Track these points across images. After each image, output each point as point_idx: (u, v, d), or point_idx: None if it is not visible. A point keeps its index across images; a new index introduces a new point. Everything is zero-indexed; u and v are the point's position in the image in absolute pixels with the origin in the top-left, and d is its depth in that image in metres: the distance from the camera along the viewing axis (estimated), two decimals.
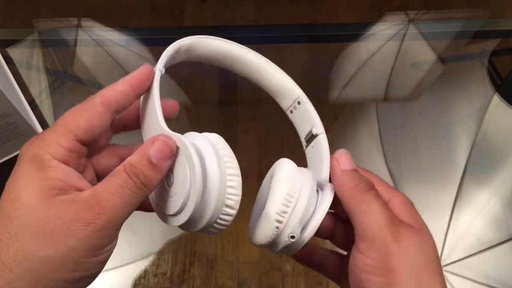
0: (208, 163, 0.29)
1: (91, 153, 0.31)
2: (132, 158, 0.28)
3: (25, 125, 0.55)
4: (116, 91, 0.29)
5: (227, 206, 0.29)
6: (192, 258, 0.55)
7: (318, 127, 0.36)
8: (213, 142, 0.30)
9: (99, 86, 0.67)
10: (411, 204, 0.32)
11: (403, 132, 0.64)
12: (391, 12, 0.73)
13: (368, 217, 0.29)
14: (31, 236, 0.26)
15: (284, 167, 0.32)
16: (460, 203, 0.58)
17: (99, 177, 0.32)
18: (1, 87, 0.50)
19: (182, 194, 0.28)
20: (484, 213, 0.58)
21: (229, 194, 0.29)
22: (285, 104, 0.38)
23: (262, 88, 0.38)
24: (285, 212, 0.31)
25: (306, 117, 0.37)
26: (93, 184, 0.29)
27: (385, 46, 0.70)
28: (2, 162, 0.57)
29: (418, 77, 0.68)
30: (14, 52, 0.68)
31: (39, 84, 0.66)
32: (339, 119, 0.64)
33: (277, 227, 0.31)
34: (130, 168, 0.27)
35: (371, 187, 0.31)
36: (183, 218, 0.29)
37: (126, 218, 0.27)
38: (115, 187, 0.27)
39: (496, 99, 0.65)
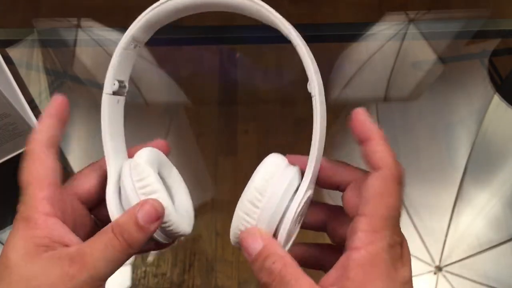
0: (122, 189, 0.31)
1: (91, 206, 0.33)
2: (121, 218, 0.29)
3: (24, 125, 0.55)
4: (41, 128, 0.31)
5: None
6: (192, 259, 0.55)
7: (313, 84, 0.28)
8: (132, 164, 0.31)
9: (99, 86, 0.67)
10: (385, 261, 0.28)
11: (403, 132, 0.64)
12: (391, 12, 0.73)
13: None
14: None
15: (264, 164, 0.30)
16: (460, 203, 0.58)
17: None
18: (0, 87, 0.50)
19: None
20: (484, 213, 0.58)
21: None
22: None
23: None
24: (253, 212, 0.29)
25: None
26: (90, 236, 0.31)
27: (385, 46, 0.70)
28: (2, 162, 0.57)
29: (418, 77, 0.68)
30: (14, 52, 0.68)
31: (38, 84, 0.66)
32: (339, 119, 0.64)
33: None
34: (117, 227, 0.28)
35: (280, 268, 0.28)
36: None
37: (110, 274, 0.29)
38: (100, 244, 0.28)
39: (496, 99, 0.65)
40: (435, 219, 0.58)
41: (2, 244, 0.54)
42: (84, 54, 0.69)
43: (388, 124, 0.64)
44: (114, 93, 0.33)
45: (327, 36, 0.71)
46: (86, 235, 0.30)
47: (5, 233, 0.54)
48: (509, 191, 0.59)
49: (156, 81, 0.67)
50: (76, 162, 0.61)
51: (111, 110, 0.33)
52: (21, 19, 0.74)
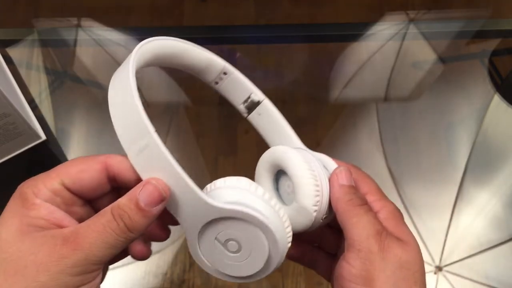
0: (270, 218, 0.29)
1: (98, 207, 0.30)
2: (121, 200, 0.27)
3: (24, 125, 0.55)
4: (123, 166, 0.29)
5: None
6: (192, 259, 0.55)
7: (258, 94, 0.36)
8: (258, 194, 0.30)
9: (99, 86, 0.67)
10: (400, 216, 0.32)
11: (403, 132, 0.64)
12: (391, 12, 0.73)
13: (357, 229, 0.30)
14: (3, 273, 0.25)
15: (292, 158, 0.32)
16: (460, 203, 0.58)
17: None
18: (1, 87, 0.50)
19: (261, 258, 0.30)
20: (485, 213, 0.58)
21: (288, 236, 0.30)
22: (209, 77, 0.36)
23: (187, 71, 0.35)
24: (318, 201, 0.32)
25: (238, 86, 0.36)
26: None
27: (385, 46, 0.70)
28: (2, 162, 0.57)
29: (418, 77, 0.68)
30: (14, 52, 0.68)
31: (39, 84, 0.66)
32: (339, 119, 0.64)
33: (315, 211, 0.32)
34: (116, 209, 0.26)
35: (364, 202, 0.31)
36: (262, 275, 0.31)
37: (105, 259, 0.26)
38: (98, 225, 0.26)
39: (497, 99, 0.65)
40: (435, 219, 0.58)
41: None
42: (84, 54, 0.69)
43: (388, 124, 0.64)
44: None
45: (327, 36, 0.71)
46: None
47: None
48: (509, 191, 0.59)
49: (156, 81, 0.67)
50: None
51: None
52: (21, 19, 0.74)
